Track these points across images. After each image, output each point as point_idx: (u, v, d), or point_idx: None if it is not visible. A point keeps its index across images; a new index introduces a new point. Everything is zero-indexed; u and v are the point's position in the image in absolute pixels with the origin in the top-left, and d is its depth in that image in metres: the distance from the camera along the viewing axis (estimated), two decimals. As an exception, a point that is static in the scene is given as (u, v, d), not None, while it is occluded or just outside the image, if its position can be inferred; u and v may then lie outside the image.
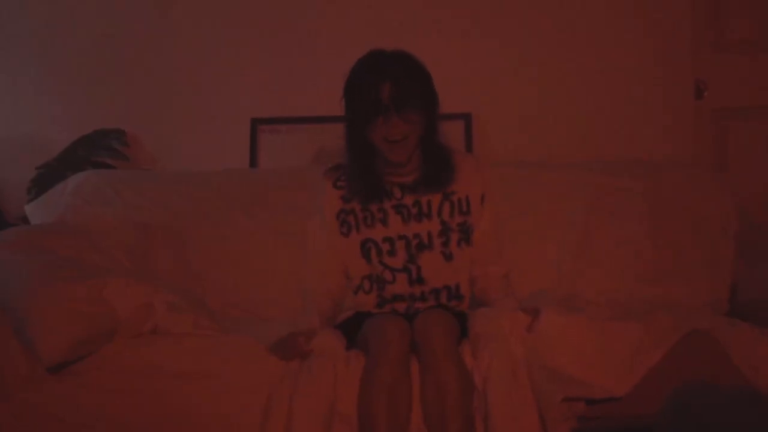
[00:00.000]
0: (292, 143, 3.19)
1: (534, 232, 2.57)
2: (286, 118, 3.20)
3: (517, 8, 3.17)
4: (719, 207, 2.57)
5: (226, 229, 2.61)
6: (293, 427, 1.83)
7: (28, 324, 1.91)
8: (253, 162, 3.18)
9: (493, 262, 2.20)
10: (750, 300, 2.72)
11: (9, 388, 1.89)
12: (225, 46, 3.22)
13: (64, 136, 3.17)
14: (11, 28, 3.25)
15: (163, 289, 2.14)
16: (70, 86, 3.27)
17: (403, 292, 2.12)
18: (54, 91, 3.27)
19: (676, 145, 3.12)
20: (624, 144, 3.12)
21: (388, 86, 2.03)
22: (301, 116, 3.19)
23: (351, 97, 2.11)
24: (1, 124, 3.28)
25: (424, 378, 1.89)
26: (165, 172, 3.12)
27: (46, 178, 3.08)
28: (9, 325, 1.94)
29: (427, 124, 2.11)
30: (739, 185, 2.84)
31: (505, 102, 3.17)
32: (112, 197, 2.68)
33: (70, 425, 1.90)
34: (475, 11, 3.17)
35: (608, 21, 3.15)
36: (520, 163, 2.78)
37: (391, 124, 2.03)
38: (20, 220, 2.96)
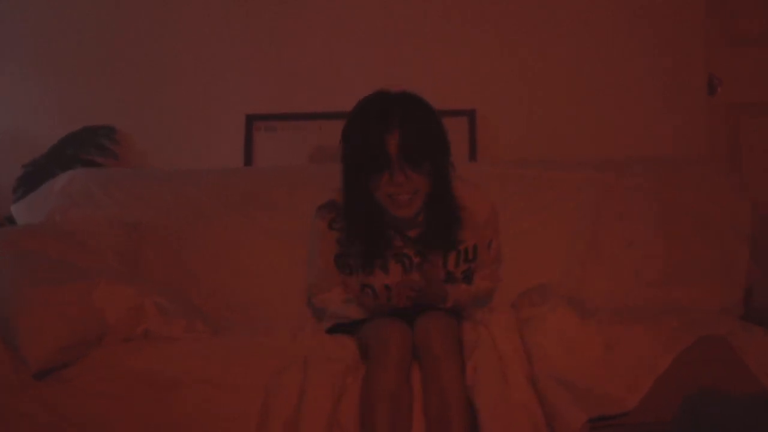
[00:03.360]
0: (289, 140, 3.19)
1: (539, 234, 2.56)
2: (282, 114, 3.21)
3: (524, 3, 3.17)
4: (733, 207, 2.57)
5: (220, 230, 2.61)
6: None
7: (13, 328, 1.91)
8: (248, 160, 3.19)
9: (481, 271, 2.18)
10: (765, 303, 2.72)
11: (-6, 394, 1.89)
12: (219, 39, 3.22)
13: (51, 133, 3.17)
14: (-4, 21, 3.26)
15: (154, 291, 2.14)
16: (58, 81, 3.27)
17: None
18: (41, 86, 3.27)
19: (688, 142, 3.12)
20: (634, 141, 3.12)
21: (395, 137, 1.92)
22: (299, 112, 3.19)
23: (352, 144, 2.00)
24: (-14, 121, 3.29)
25: (426, 385, 1.89)
26: (156, 170, 3.12)
27: (33, 177, 3.08)
28: (-6, 330, 1.94)
29: (437, 176, 2.01)
30: (754, 184, 2.84)
31: (510, 98, 3.17)
32: (102, 197, 2.68)
33: (57, 432, 1.89)
34: (479, 6, 3.17)
35: (618, 15, 3.15)
36: (525, 162, 2.78)
37: (398, 179, 1.94)
38: (6, 221, 2.96)
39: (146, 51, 3.24)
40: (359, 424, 1.85)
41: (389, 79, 3.10)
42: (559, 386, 1.86)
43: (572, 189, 2.63)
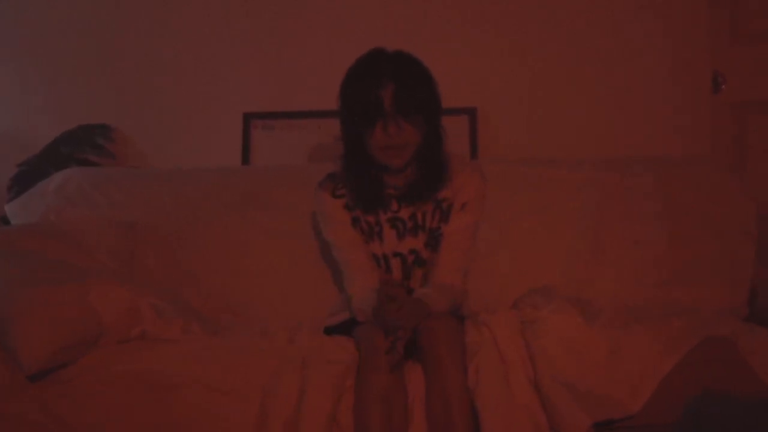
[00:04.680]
0: (287, 139, 3.19)
1: (542, 234, 2.56)
2: (280, 112, 3.21)
3: (525, 1, 3.17)
4: (738, 206, 2.57)
5: (217, 230, 2.61)
6: None
7: (8, 329, 1.91)
8: (246, 159, 3.19)
9: (450, 274, 2.14)
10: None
11: (-12, 397, 1.89)
12: (216, 36, 3.22)
13: (46, 132, 3.18)
14: (-9, 18, 3.26)
15: (150, 292, 2.14)
16: (53, 78, 3.27)
17: None
18: (36, 84, 3.27)
19: (693, 141, 3.12)
20: (637, 140, 3.12)
21: (389, 89, 2.01)
22: (297, 111, 3.19)
23: (348, 99, 2.09)
24: (-21, 119, 3.29)
25: (429, 388, 1.90)
26: (153, 169, 3.13)
27: (27, 176, 3.08)
28: (-12, 331, 1.94)
29: (428, 130, 2.09)
30: (759, 183, 2.84)
31: (511, 96, 3.17)
32: (98, 196, 2.68)
33: (52, 436, 1.89)
34: (480, 3, 3.17)
35: (621, 12, 3.14)
36: (527, 160, 2.77)
37: (391, 130, 2.02)
38: (0, 220, 2.96)
39: (143, 49, 3.24)
40: (354, 426, 1.86)
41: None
42: (563, 389, 1.86)
43: (575, 188, 2.63)
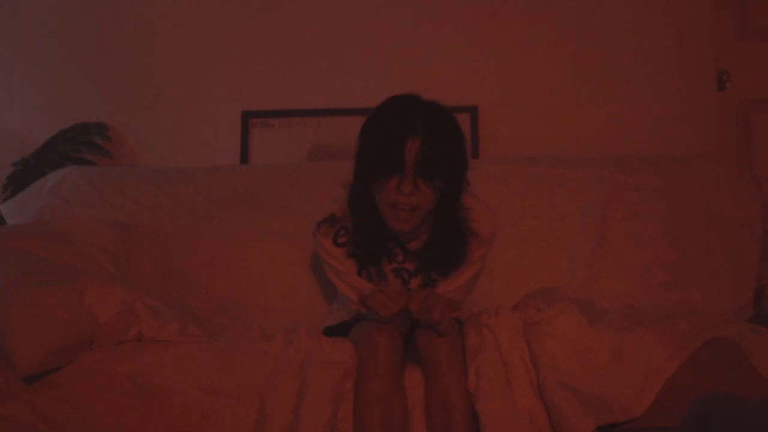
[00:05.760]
0: (286, 137, 3.19)
1: (545, 234, 2.56)
2: (279, 111, 3.20)
3: (527, -1, 3.17)
4: (744, 205, 2.56)
5: (215, 230, 2.60)
6: None
7: (1, 331, 1.90)
8: (244, 158, 3.18)
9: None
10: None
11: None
12: (214, 33, 3.22)
13: (42, 130, 3.18)
14: (-16, 16, 3.26)
15: (146, 293, 2.13)
16: (49, 77, 3.27)
17: None
18: (31, 82, 3.27)
19: (698, 139, 3.12)
20: (642, 138, 3.11)
21: (416, 145, 1.86)
22: (296, 109, 3.19)
23: (369, 143, 1.94)
24: (-26, 118, 3.29)
25: (429, 393, 1.89)
26: (150, 168, 3.11)
27: (22, 175, 3.08)
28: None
29: (446, 194, 1.95)
30: (765, 181, 2.83)
31: (513, 94, 3.17)
32: (93, 196, 2.68)
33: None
34: (482, 1, 3.17)
35: (625, 9, 3.14)
36: (529, 159, 2.76)
37: (405, 189, 1.89)
38: (-5, 220, 2.96)
39: (140, 46, 3.23)
40: (353, 430, 1.86)
41: (389, 75, 3.14)
42: (567, 393, 1.85)
43: (579, 187, 2.62)
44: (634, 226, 2.54)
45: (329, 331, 2.17)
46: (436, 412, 1.86)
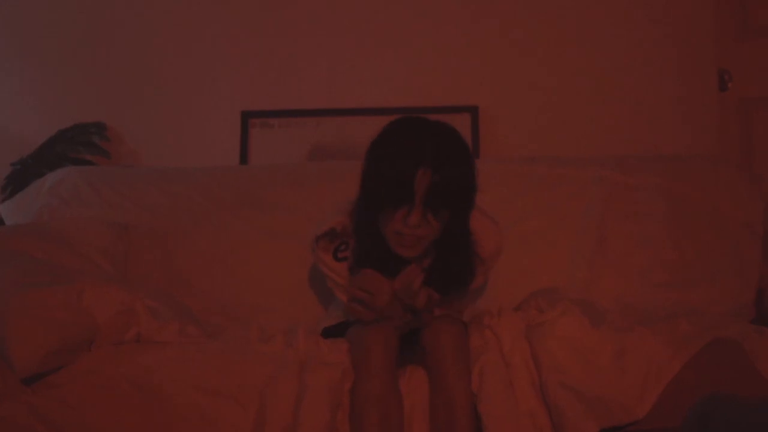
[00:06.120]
0: (286, 138, 3.19)
1: (544, 234, 2.55)
2: (278, 111, 3.20)
3: (528, -3, 3.17)
4: (745, 205, 2.56)
5: (214, 231, 2.60)
6: None
7: None
8: (244, 158, 3.18)
9: None
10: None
11: (-21, 402, 1.88)
12: (213, 33, 3.22)
13: (41, 131, 3.17)
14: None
15: (145, 294, 2.12)
16: (47, 77, 3.27)
17: None
18: (30, 82, 3.27)
19: (699, 139, 3.12)
20: (642, 138, 3.11)
21: (426, 177, 1.82)
22: (296, 109, 3.18)
23: (376, 170, 1.90)
24: (-28, 118, 3.29)
25: (434, 395, 1.89)
26: (149, 169, 3.11)
27: (21, 176, 3.08)
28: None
29: (453, 223, 1.92)
30: (766, 181, 2.83)
31: (513, 94, 3.17)
32: (92, 196, 2.67)
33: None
34: (482, 0, 3.17)
35: (625, 8, 3.14)
36: (530, 159, 2.76)
37: (412, 221, 1.86)
38: (-6, 221, 2.96)
39: (138, 46, 3.23)
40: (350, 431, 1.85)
41: (389, 75, 3.14)
42: (570, 394, 1.85)
43: (580, 187, 2.62)
44: (634, 226, 2.54)
45: (327, 332, 2.17)
46: (439, 414, 1.86)
